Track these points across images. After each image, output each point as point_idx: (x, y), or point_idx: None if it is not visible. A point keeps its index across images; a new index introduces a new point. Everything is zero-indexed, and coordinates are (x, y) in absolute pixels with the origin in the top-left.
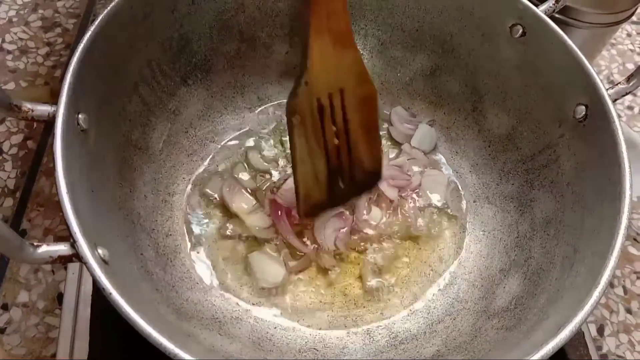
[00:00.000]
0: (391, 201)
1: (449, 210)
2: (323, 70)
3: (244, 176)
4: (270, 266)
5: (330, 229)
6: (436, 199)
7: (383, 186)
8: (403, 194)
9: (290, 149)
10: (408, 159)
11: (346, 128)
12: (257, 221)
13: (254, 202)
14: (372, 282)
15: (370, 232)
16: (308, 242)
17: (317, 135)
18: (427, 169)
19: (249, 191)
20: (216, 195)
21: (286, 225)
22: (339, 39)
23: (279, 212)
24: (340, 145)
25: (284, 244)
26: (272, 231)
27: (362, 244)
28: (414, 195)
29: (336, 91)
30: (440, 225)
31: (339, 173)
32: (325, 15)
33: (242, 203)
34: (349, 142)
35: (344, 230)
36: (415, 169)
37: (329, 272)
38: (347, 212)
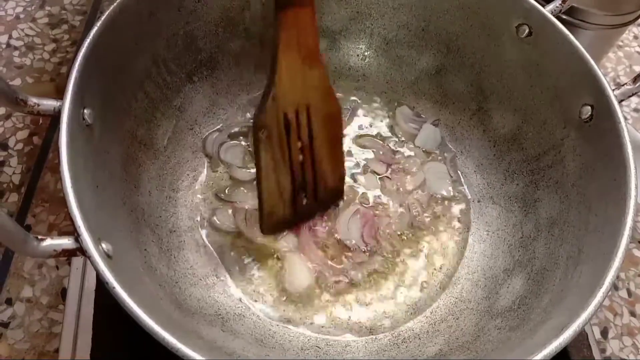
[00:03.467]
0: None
1: (454, 207)
2: (290, 86)
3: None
4: (300, 271)
5: (354, 228)
6: (443, 190)
7: (372, 163)
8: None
9: (255, 164)
10: (407, 156)
11: (311, 144)
12: (285, 244)
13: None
14: (375, 280)
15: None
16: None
17: (283, 151)
18: (427, 163)
19: None
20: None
21: (308, 238)
22: (307, 55)
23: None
24: (305, 162)
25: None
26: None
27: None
28: (420, 191)
29: (303, 107)
30: (443, 224)
31: (303, 189)
32: (294, 32)
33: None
34: (314, 159)
35: (368, 225)
36: (415, 167)
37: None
38: (362, 208)
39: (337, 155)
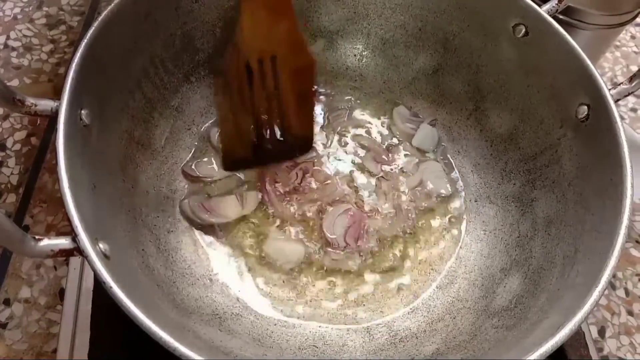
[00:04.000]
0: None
1: (451, 207)
2: (253, 34)
3: None
4: (287, 247)
5: (339, 226)
6: (441, 189)
7: (369, 163)
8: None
9: (215, 106)
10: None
11: (278, 93)
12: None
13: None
14: (372, 279)
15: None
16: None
17: (243, 97)
18: (424, 162)
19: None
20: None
21: (272, 193)
22: (275, 6)
23: (265, 180)
24: (270, 110)
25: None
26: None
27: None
28: (416, 191)
29: (267, 56)
30: (440, 224)
31: (267, 134)
32: None
33: (232, 208)
34: (280, 108)
35: (353, 226)
36: (411, 167)
37: (329, 269)
38: (354, 209)
39: (306, 107)
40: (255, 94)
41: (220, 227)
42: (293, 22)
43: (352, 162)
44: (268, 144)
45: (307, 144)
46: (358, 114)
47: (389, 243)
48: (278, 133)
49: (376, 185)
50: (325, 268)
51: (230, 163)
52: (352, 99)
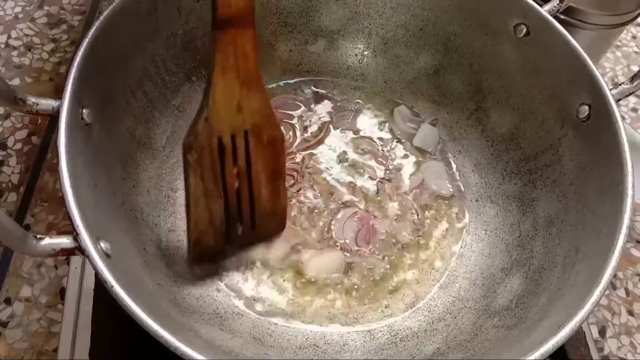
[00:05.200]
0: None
1: (452, 207)
2: (226, 110)
3: None
4: (325, 259)
5: (349, 230)
6: (442, 189)
7: (369, 164)
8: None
9: (185, 188)
10: (404, 156)
11: (249, 171)
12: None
13: None
14: (373, 279)
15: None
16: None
17: (216, 176)
18: (425, 162)
19: None
20: None
21: None
22: (246, 78)
23: None
24: (242, 189)
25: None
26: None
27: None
28: (418, 192)
29: (239, 131)
30: (441, 224)
31: (239, 218)
32: (232, 54)
33: None
34: (251, 187)
35: (362, 229)
36: (412, 168)
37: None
38: (360, 212)
39: (278, 183)
40: (227, 174)
41: None
42: (264, 94)
43: (353, 164)
44: (239, 230)
45: (280, 225)
46: (359, 113)
47: (392, 244)
48: (250, 216)
49: (378, 186)
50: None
51: (198, 254)
52: (353, 98)
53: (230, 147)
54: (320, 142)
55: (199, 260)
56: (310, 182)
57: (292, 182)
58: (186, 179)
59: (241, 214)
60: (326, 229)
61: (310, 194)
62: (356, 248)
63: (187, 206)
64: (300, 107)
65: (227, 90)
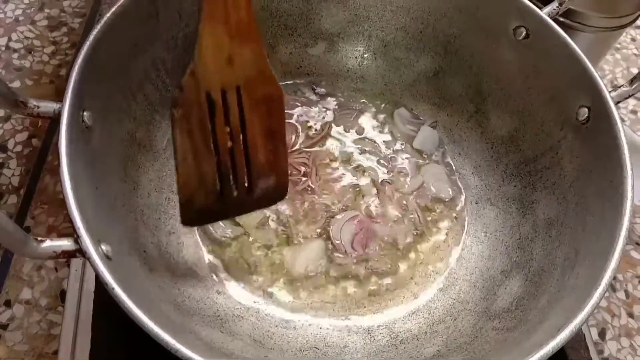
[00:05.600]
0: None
1: (452, 209)
2: (215, 63)
3: None
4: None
5: (347, 233)
6: (442, 193)
7: (370, 166)
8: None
9: (173, 146)
10: (405, 159)
11: (244, 131)
12: (263, 237)
13: (261, 216)
14: (374, 281)
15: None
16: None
17: (205, 134)
18: (425, 166)
19: None
20: None
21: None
22: (238, 30)
23: None
24: (235, 149)
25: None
26: (263, 250)
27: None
28: (418, 194)
29: (231, 87)
30: (441, 226)
31: (233, 179)
32: (221, 2)
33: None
34: (247, 147)
35: (360, 233)
36: (413, 171)
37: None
38: (361, 215)
39: (277, 143)
40: (218, 131)
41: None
42: (259, 47)
43: (355, 165)
44: (234, 191)
45: (280, 190)
46: (359, 116)
47: (392, 246)
48: (247, 178)
49: (379, 189)
50: (329, 273)
51: (190, 216)
52: (363, 100)
53: (221, 104)
54: (321, 141)
55: (193, 222)
56: (314, 178)
57: (301, 175)
58: (173, 135)
59: (236, 176)
60: (323, 227)
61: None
62: (350, 251)
63: (176, 166)
64: (301, 107)
65: (215, 41)
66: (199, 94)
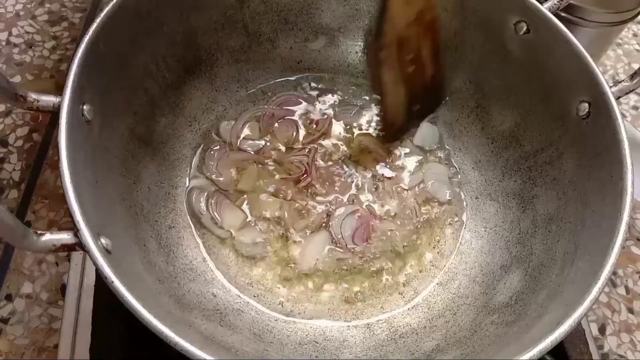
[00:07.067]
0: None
1: (452, 205)
2: (400, 6)
3: None
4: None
5: (348, 227)
6: (442, 193)
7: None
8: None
9: (378, 83)
10: (405, 154)
11: (419, 54)
12: (246, 237)
13: (244, 216)
14: (374, 276)
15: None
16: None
17: (401, 66)
18: (427, 164)
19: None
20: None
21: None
22: None
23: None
24: (415, 71)
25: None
26: (262, 246)
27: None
28: (417, 190)
29: (411, 22)
30: (441, 221)
31: (415, 98)
32: None
33: (232, 219)
34: (422, 67)
35: (361, 228)
36: (413, 167)
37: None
38: (362, 210)
39: (439, 58)
40: (404, 60)
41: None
42: None
43: (355, 159)
44: (417, 105)
45: (441, 96)
46: (360, 111)
47: (393, 241)
48: (422, 93)
49: (379, 184)
50: (329, 267)
51: (394, 134)
52: (354, 96)
53: (407, 39)
54: (322, 137)
55: (394, 138)
56: (316, 173)
57: (302, 174)
58: (379, 75)
59: (415, 93)
60: (324, 222)
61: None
62: (351, 245)
63: (383, 99)
64: (303, 103)
65: None
66: (394, 33)
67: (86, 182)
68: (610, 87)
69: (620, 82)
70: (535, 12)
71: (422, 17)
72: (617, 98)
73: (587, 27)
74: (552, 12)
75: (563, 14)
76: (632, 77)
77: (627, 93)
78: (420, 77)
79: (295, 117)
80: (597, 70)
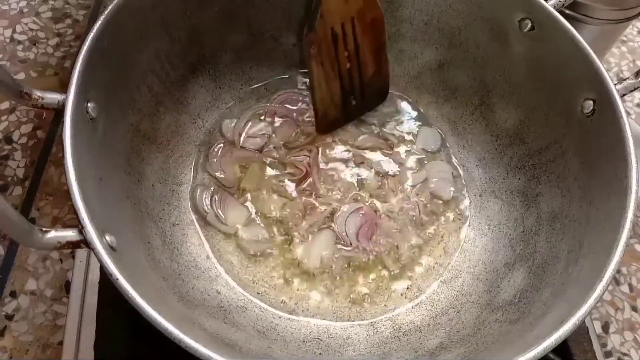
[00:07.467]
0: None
1: (455, 203)
2: (335, 4)
3: None
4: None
5: (352, 225)
6: (446, 191)
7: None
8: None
9: (309, 76)
10: (408, 152)
11: (357, 51)
12: (250, 234)
13: (248, 213)
14: (378, 273)
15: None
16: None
17: (332, 62)
18: (430, 162)
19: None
20: (207, 206)
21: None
22: None
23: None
24: (352, 68)
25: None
26: (266, 244)
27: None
28: (420, 187)
29: (347, 19)
30: (445, 219)
31: (352, 93)
32: None
33: (236, 216)
34: (360, 64)
35: (365, 225)
36: (416, 165)
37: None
38: (366, 208)
39: (381, 57)
40: (340, 57)
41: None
42: None
43: (359, 158)
44: (353, 101)
45: (384, 92)
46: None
47: (396, 238)
48: (360, 89)
49: (382, 182)
50: (333, 264)
51: (325, 126)
52: None
53: (341, 34)
54: (323, 136)
55: (326, 130)
56: (317, 174)
57: (304, 174)
58: (309, 68)
59: (353, 89)
60: (328, 221)
61: (317, 185)
62: (355, 243)
63: (311, 91)
64: (305, 101)
65: None
66: (326, 31)
67: (91, 180)
68: (615, 84)
69: (625, 79)
70: (540, 9)
71: (363, 16)
72: (622, 95)
73: (592, 24)
74: (556, 10)
75: (568, 11)
76: (636, 74)
77: (631, 91)
78: (359, 74)
79: (296, 116)
80: (602, 68)
